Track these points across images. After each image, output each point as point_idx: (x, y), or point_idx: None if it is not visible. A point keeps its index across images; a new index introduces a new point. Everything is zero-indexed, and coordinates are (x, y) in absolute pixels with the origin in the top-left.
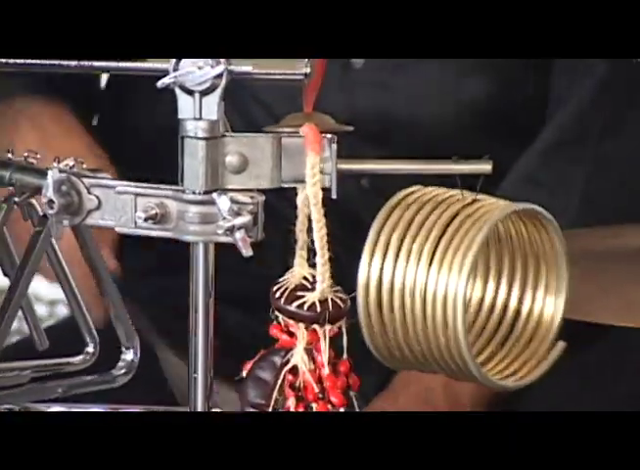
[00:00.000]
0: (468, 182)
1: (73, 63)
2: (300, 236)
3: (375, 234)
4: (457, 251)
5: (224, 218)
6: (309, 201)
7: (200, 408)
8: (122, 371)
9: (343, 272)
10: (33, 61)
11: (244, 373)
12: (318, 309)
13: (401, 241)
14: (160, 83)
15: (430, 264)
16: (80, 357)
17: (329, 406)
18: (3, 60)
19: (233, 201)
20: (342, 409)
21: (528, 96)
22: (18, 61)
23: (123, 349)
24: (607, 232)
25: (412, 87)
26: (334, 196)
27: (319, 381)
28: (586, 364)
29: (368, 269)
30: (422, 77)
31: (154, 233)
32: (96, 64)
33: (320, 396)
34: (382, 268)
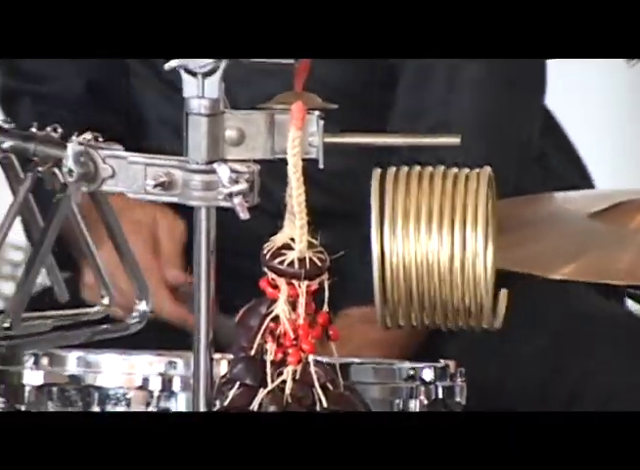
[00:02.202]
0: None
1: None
2: (289, 201)
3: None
4: (466, 218)
5: (224, 186)
6: (290, 170)
7: (202, 356)
8: (136, 320)
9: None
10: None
11: (236, 319)
12: (296, 266)
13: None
14: (167, 66)
15: (452, 232)
16: (97, 308)
17: (301, 353)
18: None
19: (232, 170)
20: (311, 356)
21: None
22: None
23: (137, 300)
24: (557, 200)
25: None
26: (321, 166)
27: (296, 330)
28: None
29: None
30: None
31: (162, 198)
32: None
33: (295, 342)
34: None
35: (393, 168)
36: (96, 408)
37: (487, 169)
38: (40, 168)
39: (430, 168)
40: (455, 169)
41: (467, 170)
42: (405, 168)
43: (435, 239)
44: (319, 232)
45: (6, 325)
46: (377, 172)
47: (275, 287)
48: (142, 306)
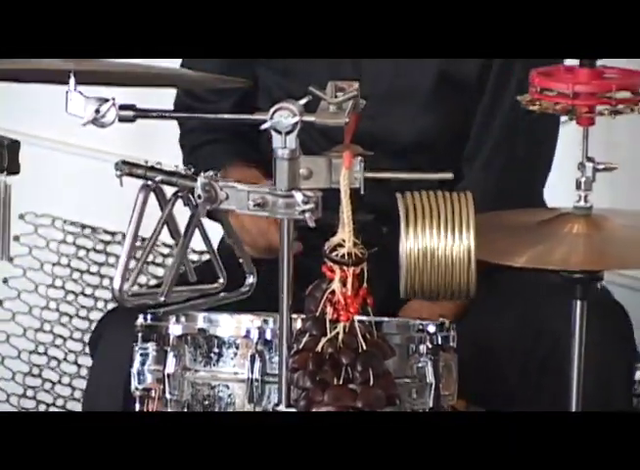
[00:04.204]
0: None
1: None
2: (340, 216)
3: (408, 220)
4: (461, 225)
5: (299, 205)
6: (342, 195)
7: (285, 316)
8: (246, 289)
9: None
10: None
11: (306, 292)
12: (346, 258)
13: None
14: (262, 127)
15: (446, 235)
16: (216, 285)
17: (349, 315)
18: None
19: (304, 195)
20: (356, 316)
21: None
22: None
23: (247, 274)
24: (518, 213)
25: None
26: (362, 192)
27: (346, 299)
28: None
29: (408, 240)
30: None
31: (259, 213)
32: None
33: (345, 307)
34: (419, 239)
35: (411, 193)
36: (216, 350)
37: (469, 193)
38: (180, 194)
39: (432, 192)
40: (447, 193)
41: (455, 193)
42: (417, 193)
43: (436, 238)
44: (360, 235)
45: (162, 299)
46: (400, 196)
47: (332, 271)
48: (250, 279)
